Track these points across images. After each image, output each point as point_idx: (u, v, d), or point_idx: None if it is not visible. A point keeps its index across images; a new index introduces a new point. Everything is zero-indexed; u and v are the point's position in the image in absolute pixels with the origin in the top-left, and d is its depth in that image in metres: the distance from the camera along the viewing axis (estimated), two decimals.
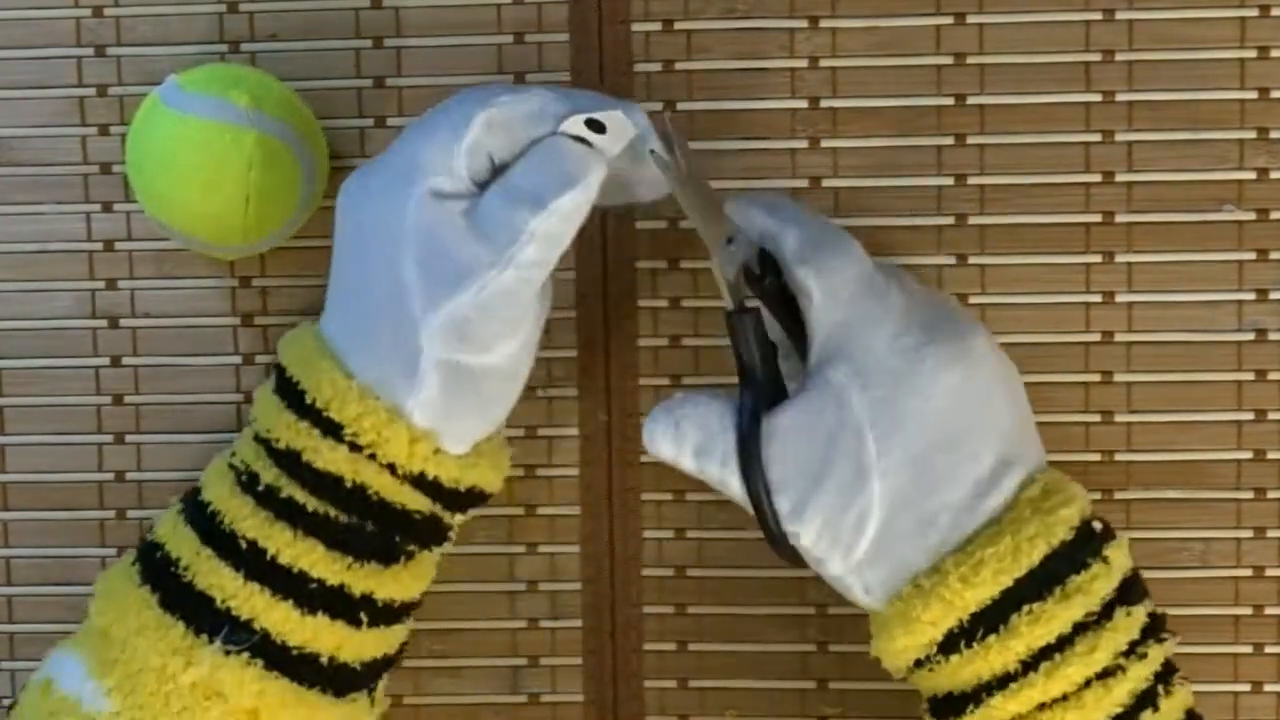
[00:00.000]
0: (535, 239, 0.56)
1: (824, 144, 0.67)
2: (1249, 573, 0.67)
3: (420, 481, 0.59)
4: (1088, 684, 0.56)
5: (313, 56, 0.68)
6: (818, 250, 0.59)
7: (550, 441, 0.69)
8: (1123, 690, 0.56)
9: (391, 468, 0.58)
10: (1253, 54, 0.66)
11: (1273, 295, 0.67)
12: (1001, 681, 0.56)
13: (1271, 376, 0.67)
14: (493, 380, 0.59)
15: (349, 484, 0.58)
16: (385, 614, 0.60)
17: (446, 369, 0.57)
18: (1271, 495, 0.67)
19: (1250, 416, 0.67)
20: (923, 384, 0.57)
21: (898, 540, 0.57)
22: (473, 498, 0.61)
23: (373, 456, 0.58)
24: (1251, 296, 0.67)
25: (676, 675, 0.69)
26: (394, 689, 0.69)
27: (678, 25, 0.67)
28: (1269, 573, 0.67)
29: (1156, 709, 0.57)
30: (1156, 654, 0.57)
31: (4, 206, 0.69)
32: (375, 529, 0.59)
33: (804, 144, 0.67)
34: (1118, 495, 0.67)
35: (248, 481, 0.59)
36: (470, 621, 0.69)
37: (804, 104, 0.67)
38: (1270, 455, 0.67)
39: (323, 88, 0.68)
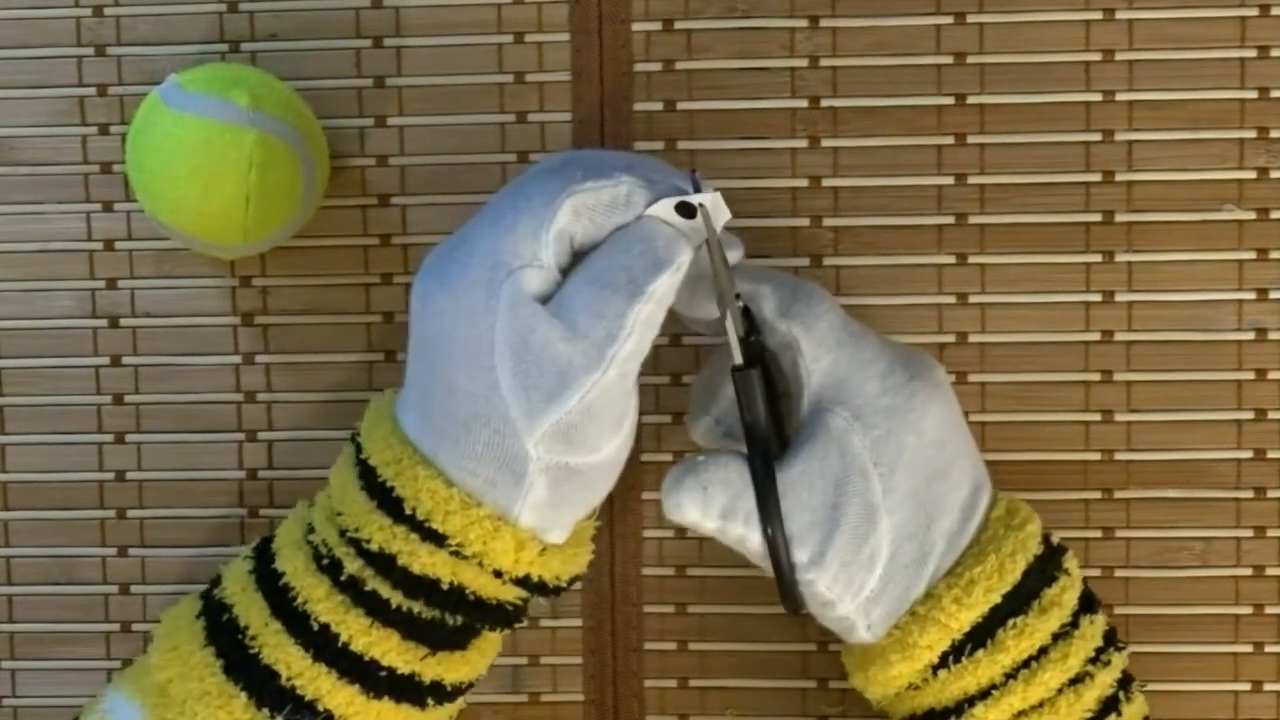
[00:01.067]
0: (635, 330, 0.55)
1: (824, 143, 0.67)
2: (1249, 572, 0.67)
3: (523, 581, 0.58)
4: (1060, 691, 0.58)
5: (313, 56, 0.68)
6: (795, 303, 0.59)
7: None
8: (1091, 696, 0.58)
9: (496, 572, 0.57)
10: (1253, 53, 0.66)
11: (1273, 295, 0.67)
12: (983, 692, 0.57)
13: (1271, 376, 0.67)
14: (598, 473, 0.57)
15: (446, 585, 0.57)
16: (451, 694, 0.60)
17: (553, 471, 0.56)
18: (1271, 494, 0.67)
19: (1250, 416, 0.67)
20: (915, 419, 0.58)
21: (900, 573, 0.58)
22: (568, 585, 0.60)
23: (479, 563, 0.57)
24: (1251, 296, 0.67)
25: (676, 675, 0.69)
26: None
27: (678, 25, 0.67)
28: (1269, 572, 0.67)
29: (1120, 714, 0.59)
30: (1118, 661, 0.59)
31: (4, 206, 0.69)
32: (456, 624, 0.58)
33: (804, 143, 0.67)
34: (1118, 494, 0.67)
35: (329, 566, 0.58)
36: None
37: (804, 103, 0.67)
38: (1270, 454, 0.67)
39: (323, 87, 0.68)
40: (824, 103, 0.67)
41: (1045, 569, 0.59)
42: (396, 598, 0.57)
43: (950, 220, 0.67)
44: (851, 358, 0.59)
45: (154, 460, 0.70)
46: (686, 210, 0.56)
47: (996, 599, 0.58)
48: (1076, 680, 0.58)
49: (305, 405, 0.69)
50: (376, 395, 0.62)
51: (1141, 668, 0.67)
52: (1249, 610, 0.67)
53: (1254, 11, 0.66)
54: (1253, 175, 0.66)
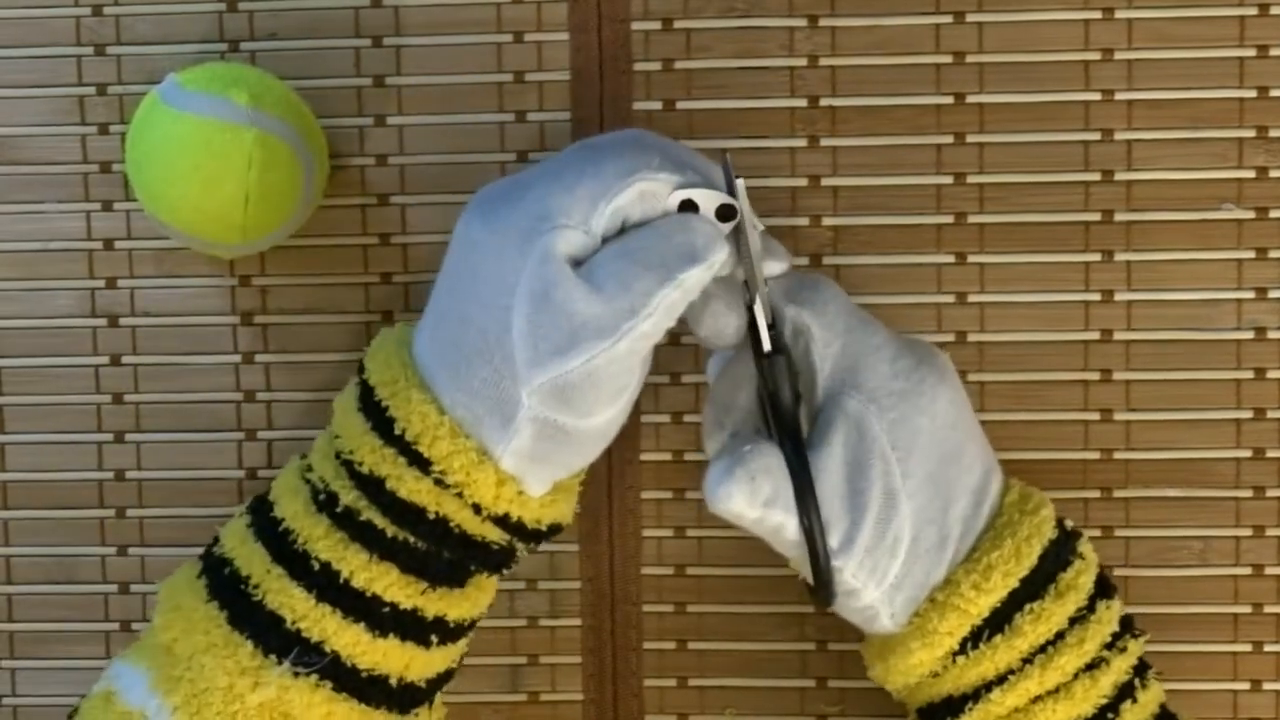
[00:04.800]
0: (657, 311, 0.55)
1: (823, 143, 0.67)
2: (1248, 571, 0.67)
3: (503, 520, 0.58)
4: (1076, 676, 0.58)
5: (312, 55, 0.68)
6: (803, 290, 0.60)
7: None
8: (1107, 682, 0.58)
9: (476, 506, 0.58)
10: (1252, 53, 0.66)
11: (1272, 294, 0.67)
12: (1001, 677, 0.57)
13: (1271, 375, 0.67)
14: (585, 439, 0.58)
15: (431, 515, 0.57)
16: (455, 633, 0.61)
17: (542, 424, 0.56)
18: (1271, 494, 0.67)
19: (1249, 415, 0.67)
20: (926, 402, 0.58)
21: (920, 558, 0.58)
22: (549, 532, 0.61)
23: (459, 494, 0.57)
24: (1250, 295, 0.67)
25: (676, 674, 0.69)
26: None
27: (677, 24, 0.67)
28: (1268, 571, 0.67)
29: (1135, 700, 0.59)
30: (1134, 648, 0.59)
31: (4, 206, 0.69)
32: (451, 557, 0.59)
33: (803, 143, 0.67)
34: (1117, 493, 0.67)
35: (325, 501, 0.58)
36: None
37: (803, 103, 0.67)
38: (1269, 453, 0.67)
39: (322, 87, 0.68)
40: (823, 102, 0.67)
41: (1060, 553, 0.59)
42: (390, 528, 0.58)
43: (949, 219, 0.67)
44: (862, 342, 0.59)
45: (154, 459, 0.70)
46: (725, 213, 0.57)
47: (1014, 583, 0.58)
48: (1093, 666, 0.58)
49: (305, 404, 0.69)
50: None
51: None
52: (1248, 609, 0.67)
53: (1253, 11, 0.66)
54: (1252, 174, 0.66)
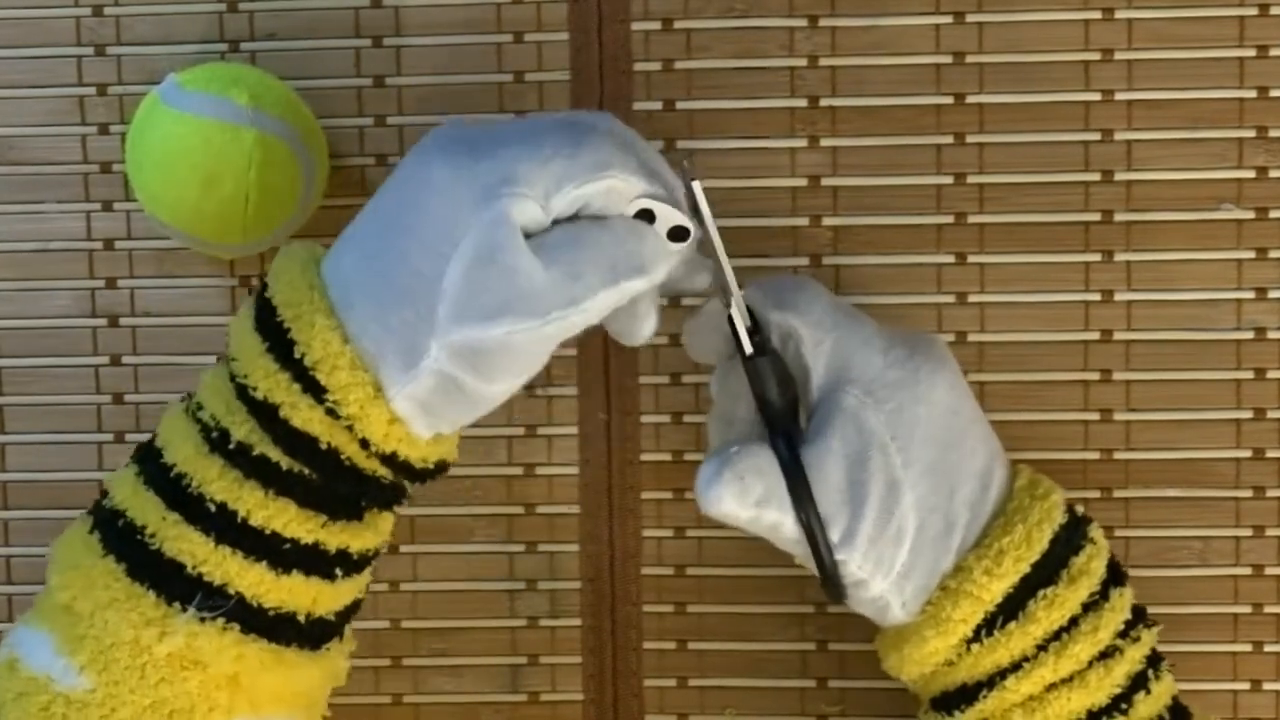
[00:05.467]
0: (592, 310, 0.55)
1: (823, 143, 0.67)
2: (1248, 571, 0.67)
3: (390, 459, 0.58)
4: (1090, 664, 0.58)
5: (312, 55, 0.68)
6: (785, 293, 0.60)
7: (549, 440, 0.69)
8: (1121, 671, 0.58)
9: (364, 441, 0.57)
10: (1252, 53, 0.66)
11: (1271, 294, 0.67)
12: (1015, 665, 0.58)
13: (1270, 375, 0.67)
14: (478, 402, 0.57)
15: (323, 445, 0.57)
16: (359, 564, 0.60)
17: (443, 378, 0.56)
18: (1271, 494, 0.67)
19: (1249, 415, 0.67)
20: (923, 391, 0.58)
21: (927, 546, 0.58)
22: (436, 470, 0.60)
23: (350, 427, 0.57)
24: (1250, 295, 0.67)
25: (676, 674, 0.69)
26: (394, 688, 0.70)
27: (677, 24, 0.67)
28: (1268, 571, 0.67)
29: (1149, 691, 0.59)
30: (1147, 638, 0.59)
31: (4, 206, 0.69)
32: (344, 490, 0.58)
33: (803, 143, 0.67)
34: (1117, 494, 0.67)
35: (217, 439, 0.57)
36: (470, 620, 0.69)
37: (803, 103, 0.67)
38: (1269, 454, 0.67)
39: (322, 87, 0.68)
40: (823, 102, 0.67)
41: (1071, 538, 0.59)
42: (285, 460, 0.57)
43: (949, 219, 0.67)
44: (852, 336, 0.59)
45: None
46: (677, 234, 0.57)
47: (1026, 568, 0.58)
48: (1106, 655, 0.58)
49: None
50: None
51: None
52: (1248, 609, 0.67)
53: (1253, 11, 0.66)
54: (1252, 174, 0.66)
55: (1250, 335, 0.67)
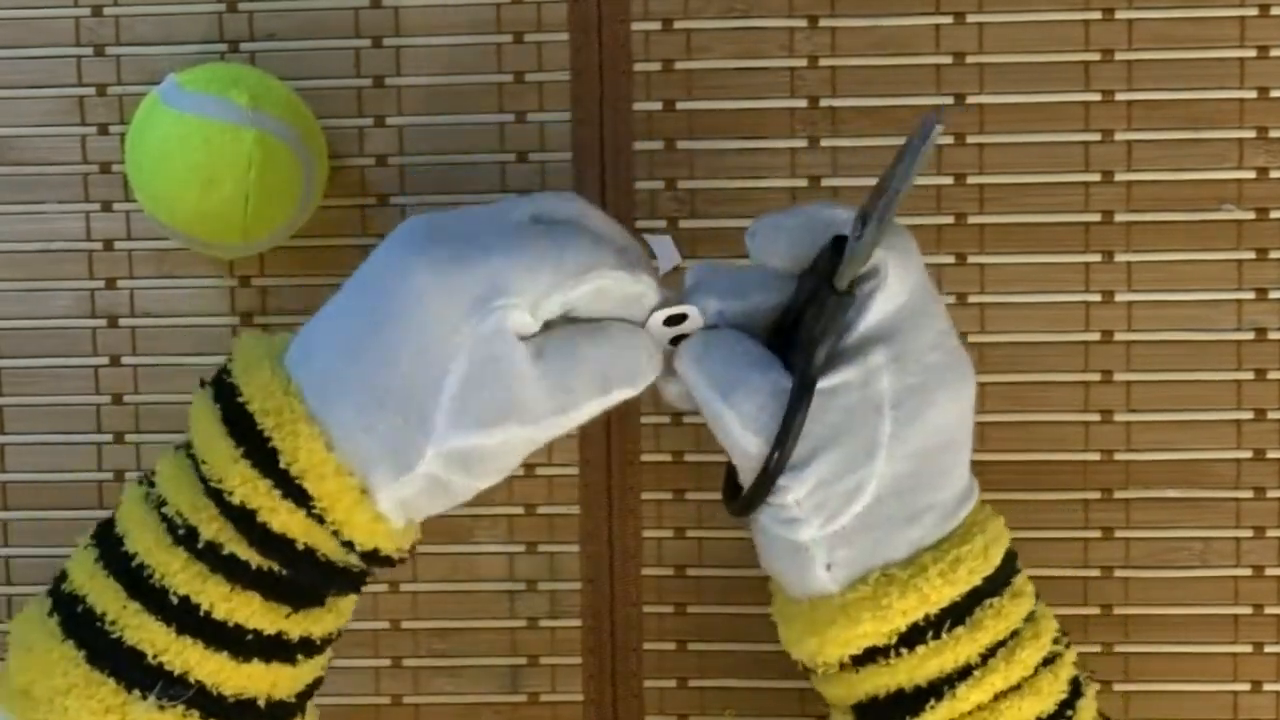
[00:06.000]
0: (582, 416, 0.56)
1: (823, 143, 0.67)
2: (1249, 572, 0.67)
3: (369, 554, 0.58)
4: (1037, 671, 0.58)
5: (312, 56, 0.68)
6: (892, 237, 0.57)
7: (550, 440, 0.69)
8: (1064, 675, 0.58)
9: (348, 542, 0.57)
10: (1252, 53, 0.66)
11: (1272, 294, 0.67)
12: (962, 672, 0.57)
13: (1271, 376, 0.67)
14: (460, 495, 0.58)
15: (300, 546, 0.56)
16: (320, 647, 0.60)
17: (432, 480, 0.56)
18: (1271, 494, 0.67)
19: (1250, 416, 0.67)
20: (953, 383, 0.57)
21: (880, 524, 0.57)
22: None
23: (335, 531, 0.56)
24: (1251, 296, 0.67)
25: (676, 675, 0.69)
26: (394, 688, 0.70)
27: (677, 24, 0.67)
28: (1268, 572, 0.67)
29: (1083, 695, 0.59)
30: (1071, 650, 0.59)
31: (4, 206, 0.69)
32: (315, 583, 0.58)
33: (803, 143, 0.67)
34: (1117, 494, 0.67)
35: (183, 535, 0.56)
36: (470, 621, 0.69)
37: (803, 103, 0.67)
38: (1270, 454, 0.67)
39: (322, 87, 0.68)
40: (823, 102, 0.67)
41: (1012, 561, 0.59)
42: (255, 559, 0.56)
43: (949, 220, 0.67)
44: (923, 305, 0.57)
45: (153, 460, 0.69)
46: (674, 320, 0.57)
47: (978, 581, 0.57)
48: (1049, 660, 0.58)
49: None
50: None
51: (1141, 668, 0.67)
52: (1249, 610, 0.67)
53: (1254, 11, 0.66)
54: (1252, 175, 0.66)
55: (1251, 336, 0.67)
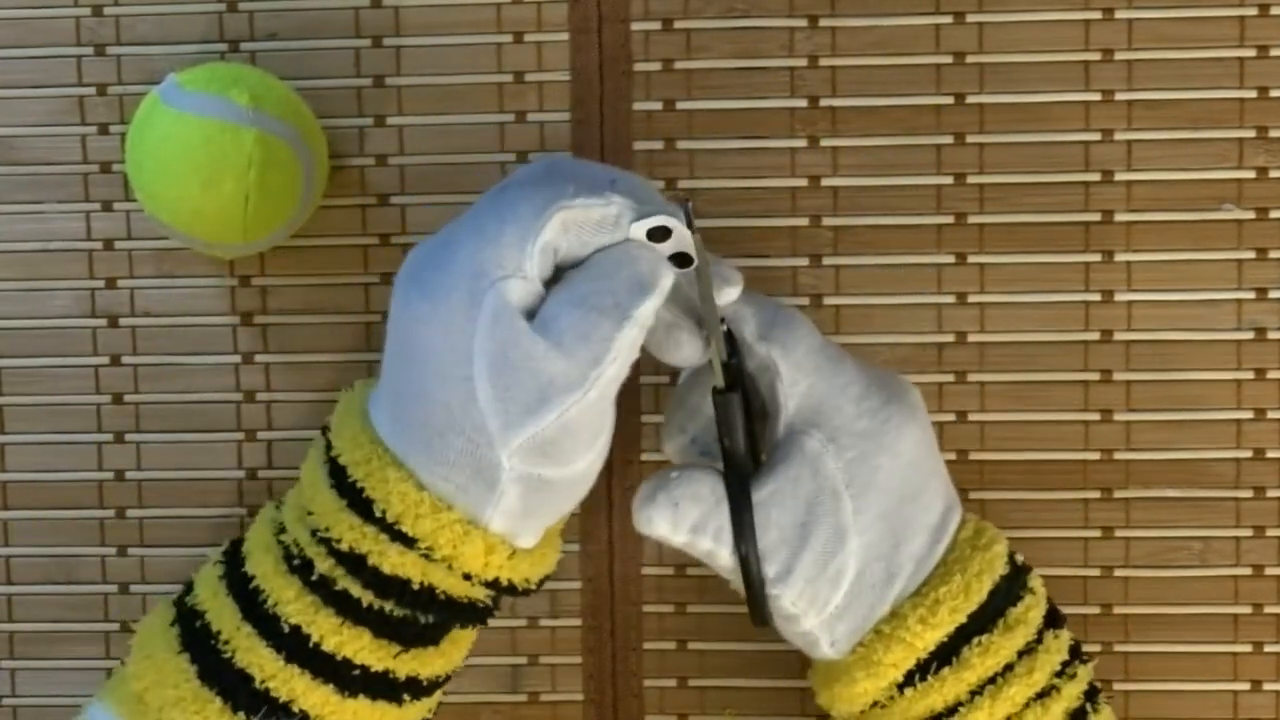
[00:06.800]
0: (620, 354, 0.55)
1: (823, 143, 0.67)
2: (1248, 571, 0.67)
3: (493, 584, 0.58)
4: (1027, 705, 0.58)
5: (312, 55, 0.68)
6: (774, 328, 0.59)
7: None
8: (1058, 709, 0.58)
9: (465, 575, 0.57)
10: (1252, 53, 0.66)
11: (1272, 294, 0.67)
12: (950, 709, 0.58)
13: (1271, 375, 0.67)
14: (571, 485, 0.57)
15: (417, 585, 0.57)
16: (428, 689, 0.60)
17: (527, 481, 0.56)
18: (1271, 494, 0.67)
19: (1249, 415, 0.67)
20: (890, 441, 0.59)
21: (866, 591, 0.58)
22: (538, 586, 0.60)
23: (449, 566, 0.57)
24: (1250, 295, 0.67)
25: (676, 674, 0.69)
26: None
27: (677, 24, 0.67)
28: (1268, 571, 0.67)
29: None
30: (1084, 674, 0.60)
31: (4, 206, 0.69)
32: (435, 619, 0.58)
33: (803, 143, 0.67)
34: (1117, 494, 0.67)
35: (299, 566, 0.58)
36: None
37: (804, 103, 0.67)
38: (1269, 454, 0.67)
39: (322, 87, 0.68)
40: (823, 102, 0.67)
41: (1011, 588, 0.59)
42: (367, 597, 0.57)
43: (949, 220, 0.67)
44: (829, 381, 0.59)
45: (153, 460, 0.70)
46: (659, 234, 0.56)
47: (962, 619, 0.58)
48: (1043, 694, 0.58)
49: (304, 405, 0.69)
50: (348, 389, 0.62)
51: (1141, 667, 0.67)
52: (1248, 610, 0.67)
53: (1253, 11, 0.66)
54: (1252, 175, 0.66)
55: (1250, 335, 0.67)
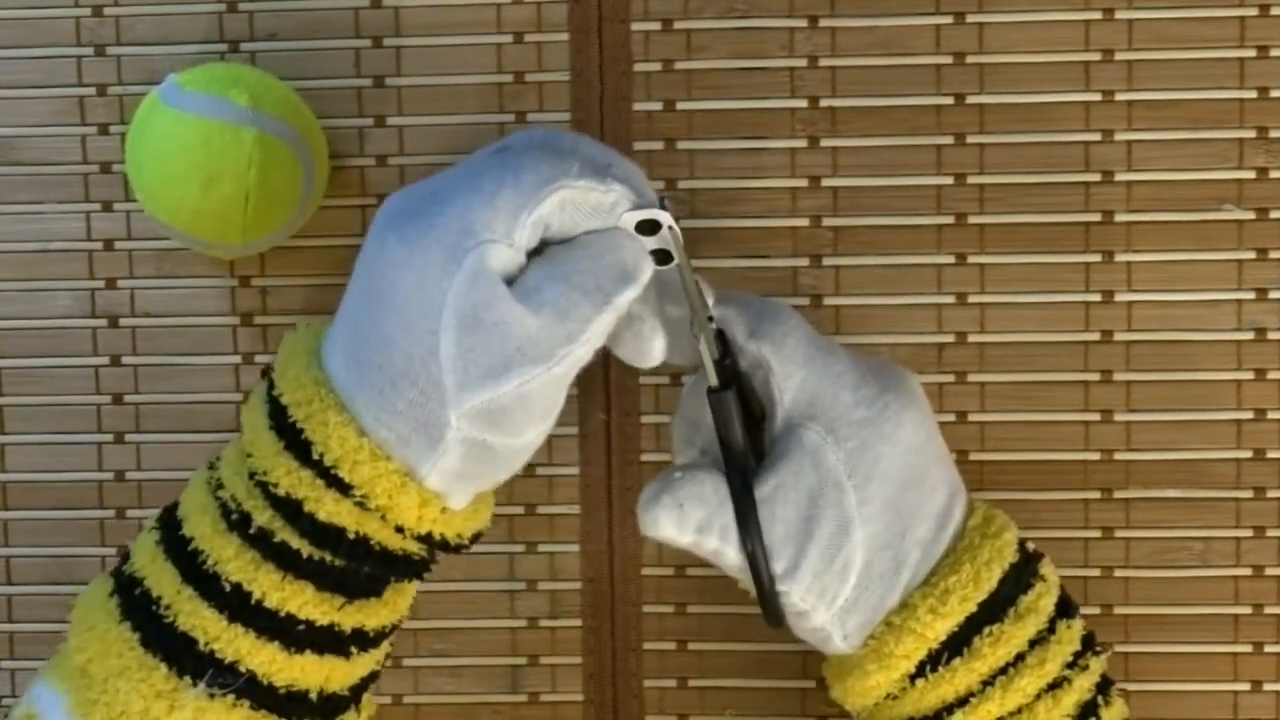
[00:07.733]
0: (594, 336, 0.54)
1: (823, 143, 0.67)
2: (1249, 572, 0.67)
3: (426, 538, 0.58)
4: (1038, 696, 0.58)
5: (312, 56, 0.68)
6: (762, 323, 0.59)
7: (550, 440, 0.68)
8: (1070, 701, 0.58)
9: (399, 527, 0.57)
10: (1252, 53, 0.66)
11: (1272, 294, 0.67)
12: (961, 700, 0.58)
13: (1271, 375, 0.67)
14: (512, 456, 0.57)
15: (351, 535, 0.56)
16: (374, 640, 0.60)
17: (470, 444, 0.55)
18: (1271, 494, 0.67)
19: (1250, 415, 0.67)
20: (889, 429, 0.58)
21: (874, 582, 0.58)
22: (471, 542, 0.60)
23: (382, 516, 0.56)
24: (1251, 296, 0.67)
25: (676, 674, 0.69)
26: (394, 688, 0.70)
27: (677, 24, 0.67)
28: (1269, 572, 0.67)
29: (1099, 719, 0.59)
30: (1096, 666, 0.59)
31: (4, 206, 0.69)
32: (371, 571, 0.58)
33: (803, 143, 0.67)
34: (1117, 494, 0.67)
35: (237, 521, 0.57)
36: (470, 620, 0.69)
37: (804, 103, 0.67)
38: (1270, 454, 0.67)
39: (322, 87, 0.68)
40: (823, 102, 0.67)
41: (1021, 576, 0.59)
42: (306, 548, 0.56)
43: (950, 220, 0.67)
44: (822, 372, 0.59)
45: (154, 460, 0.70)
46: (647, 228, 0.56)
47: (972, 608, 0.58)
48: (1054, 685, 0.58)
49: None
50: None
51: (1141, 667, 0.67)
52: (1249, 610, 0.67)
53: (1254, 11, 0.66)
54: (1252, 175, 0.66)
55: (1251, 336, 0.67)
